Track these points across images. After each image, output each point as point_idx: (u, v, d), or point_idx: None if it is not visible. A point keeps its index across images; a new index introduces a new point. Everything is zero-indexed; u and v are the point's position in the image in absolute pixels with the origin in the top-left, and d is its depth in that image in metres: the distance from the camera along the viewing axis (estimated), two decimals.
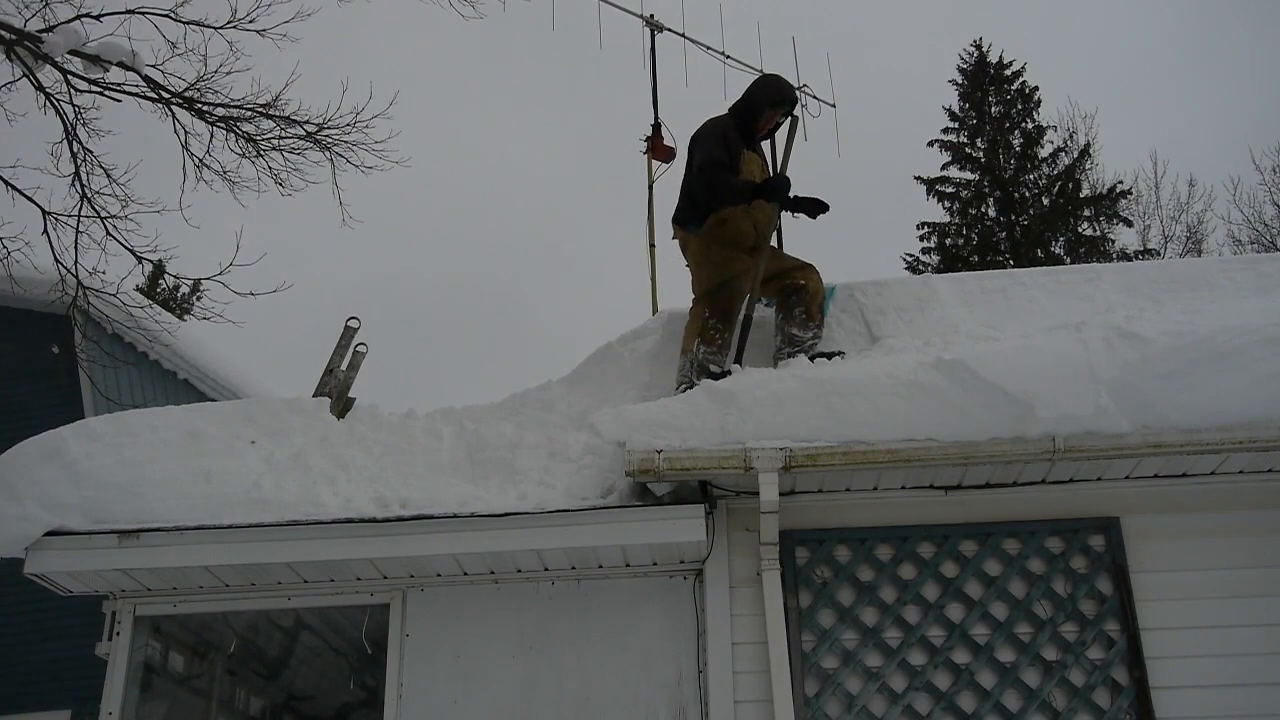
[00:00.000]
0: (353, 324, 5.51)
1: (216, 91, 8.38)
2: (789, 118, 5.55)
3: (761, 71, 7.37)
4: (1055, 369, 4.10)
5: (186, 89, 8.26)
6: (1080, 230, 21.78)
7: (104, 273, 8.42)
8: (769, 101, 5.42)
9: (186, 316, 17.98)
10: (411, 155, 9.46)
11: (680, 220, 5.46)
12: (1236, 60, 34.05)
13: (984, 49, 23.46)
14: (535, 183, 45.41)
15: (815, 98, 7.28)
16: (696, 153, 5.42)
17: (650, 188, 7.04)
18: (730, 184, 5.24)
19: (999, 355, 4.22)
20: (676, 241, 5.58)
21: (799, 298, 5.22)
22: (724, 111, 5.59)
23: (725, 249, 5.27)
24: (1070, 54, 35.16)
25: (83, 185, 8.10)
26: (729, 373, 4.72)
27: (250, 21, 8.26)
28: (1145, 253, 21.26)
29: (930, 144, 23.14)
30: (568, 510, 4.24)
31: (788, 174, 5.35)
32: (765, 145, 5.84)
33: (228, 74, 8.61)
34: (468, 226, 46.18)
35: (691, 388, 4.62)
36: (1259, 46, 33.46)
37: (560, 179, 46.61)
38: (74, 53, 7.70)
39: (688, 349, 5.22)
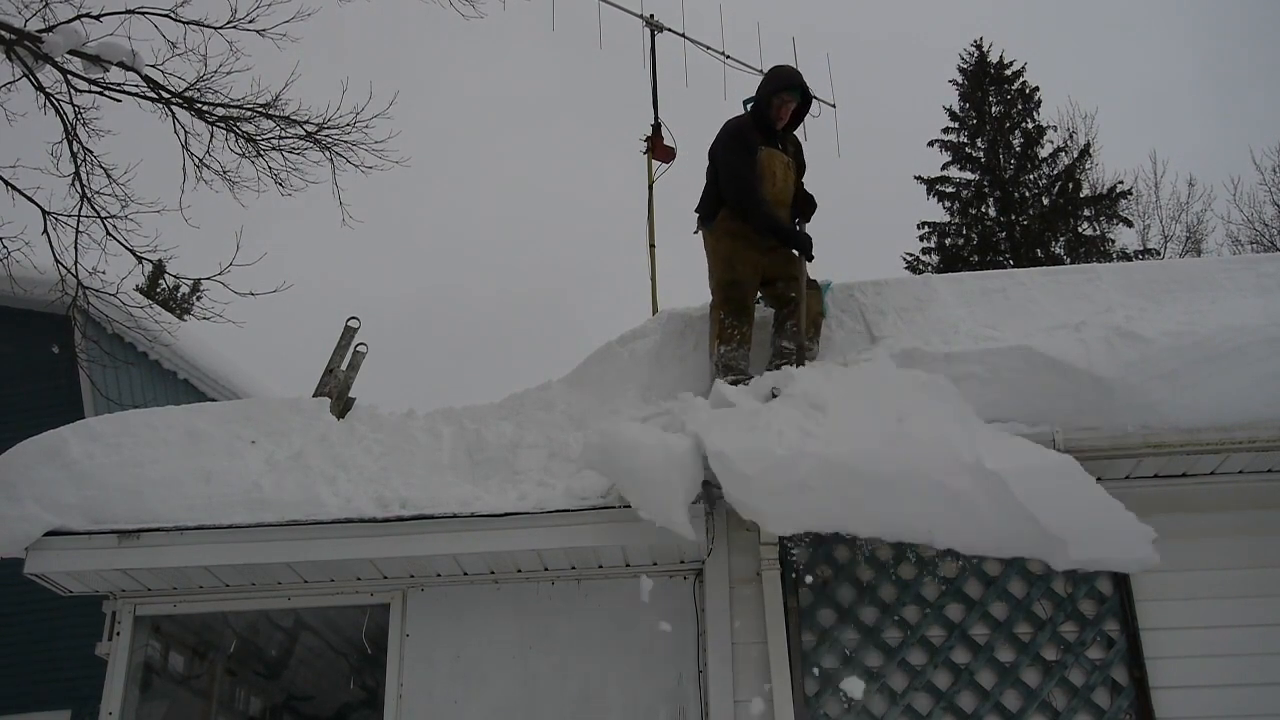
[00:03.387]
0: (353, 324, 5.51)
1: (216, 91, 8.39)
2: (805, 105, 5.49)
3: (762, 71, 7.37)
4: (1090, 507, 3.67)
5: (186, 89, 8.26)
6: (1080, 230, 21.76)
7: (104, 273, 8.42)
8: (771, 90, 5.41)
9: (186, 316, 17.98)
10: (411, 157, 9.43)
11: (698, 213, 5.49)
12: (1237, 61, 34.07)
13: (984, 49, 23.47)
14: (584, 201, 45.25)
15: (816, 98, 7.27)
16: (721, 162, 5.37)
17: (650, 188, 7.04)
18: (762, 215, 5.17)
19: (1041, 473, 3.72)
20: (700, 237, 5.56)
21: (789, 310, 5.21)
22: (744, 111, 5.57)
23: (732, 240, 5.26)
24: (1070, 54, 35.20)
25: (83, 185, 8.10)
26: (750, 377, 4.77)
27: (250, 21, 8.26)
28: (1145, 253, 21.25)
29: (930, 144, 23.15)
30: (568, 510, 4.24)
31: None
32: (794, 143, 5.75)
33: (228, 74, 8.62)
34: (516, 244, 46.13)
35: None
36: (1261, 47, 33.48)
37: (608, 191, 46.53)
38: (74, 53, 7.70)
39: (712, 352, 5.22)
